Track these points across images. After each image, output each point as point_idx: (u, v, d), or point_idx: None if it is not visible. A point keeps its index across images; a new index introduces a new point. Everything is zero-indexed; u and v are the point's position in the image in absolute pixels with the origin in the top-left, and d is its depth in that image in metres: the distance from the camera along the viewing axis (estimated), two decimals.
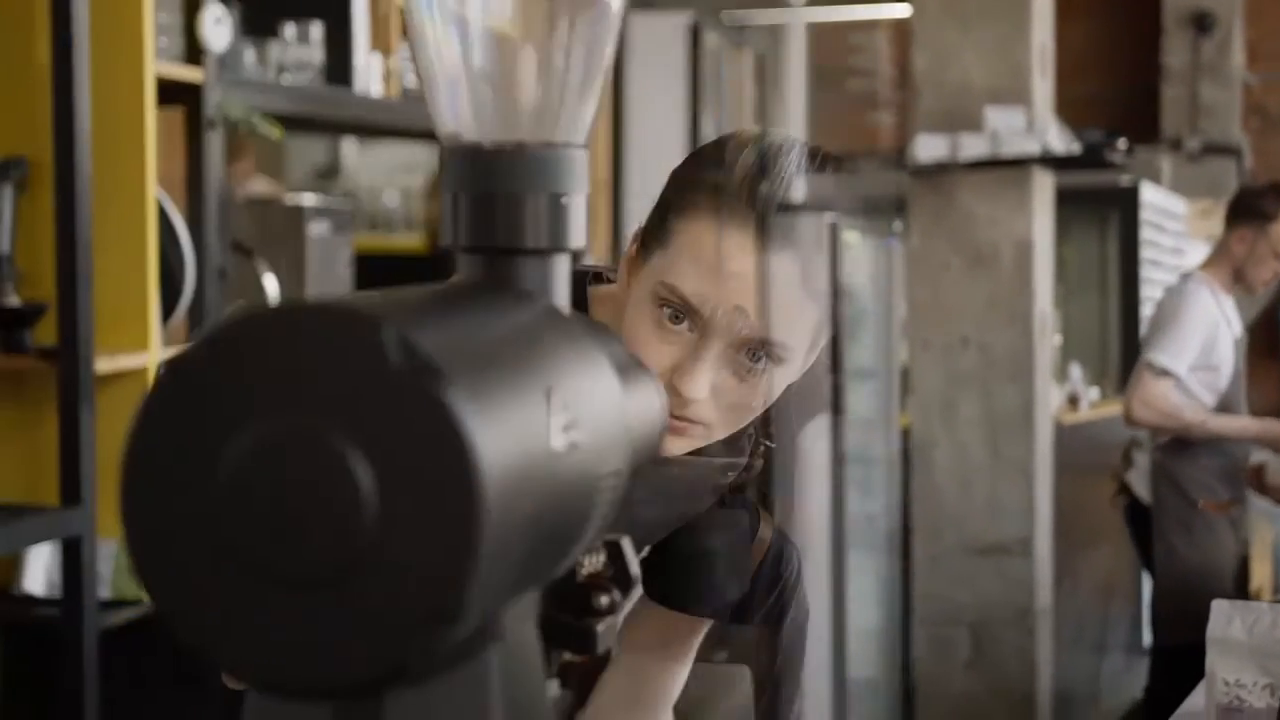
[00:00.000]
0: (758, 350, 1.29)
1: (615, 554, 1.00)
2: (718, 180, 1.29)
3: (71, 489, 2.38)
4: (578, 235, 0.87)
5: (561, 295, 0.87)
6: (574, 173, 0.87)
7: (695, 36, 5.76)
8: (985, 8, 5.38)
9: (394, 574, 0.65)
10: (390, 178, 5.48)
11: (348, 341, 0.65)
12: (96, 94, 2.50)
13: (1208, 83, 9.47)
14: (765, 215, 1.27)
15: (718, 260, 1.27)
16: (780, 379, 1.32)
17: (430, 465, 0.64)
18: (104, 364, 2.50)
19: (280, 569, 0.65)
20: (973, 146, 5.24)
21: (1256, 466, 4.74)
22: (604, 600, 0.90)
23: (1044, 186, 5.50)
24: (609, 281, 1.47)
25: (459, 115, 0.87)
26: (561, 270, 0.87)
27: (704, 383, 1.29)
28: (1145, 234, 7.29)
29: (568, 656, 0.94)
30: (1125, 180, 7.08)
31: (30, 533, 2.41)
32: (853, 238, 6.23)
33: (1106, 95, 6.76)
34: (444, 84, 0.88)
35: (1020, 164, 5.28)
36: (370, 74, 3.25)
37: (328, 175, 5.50)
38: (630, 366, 0.93)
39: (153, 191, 2.58)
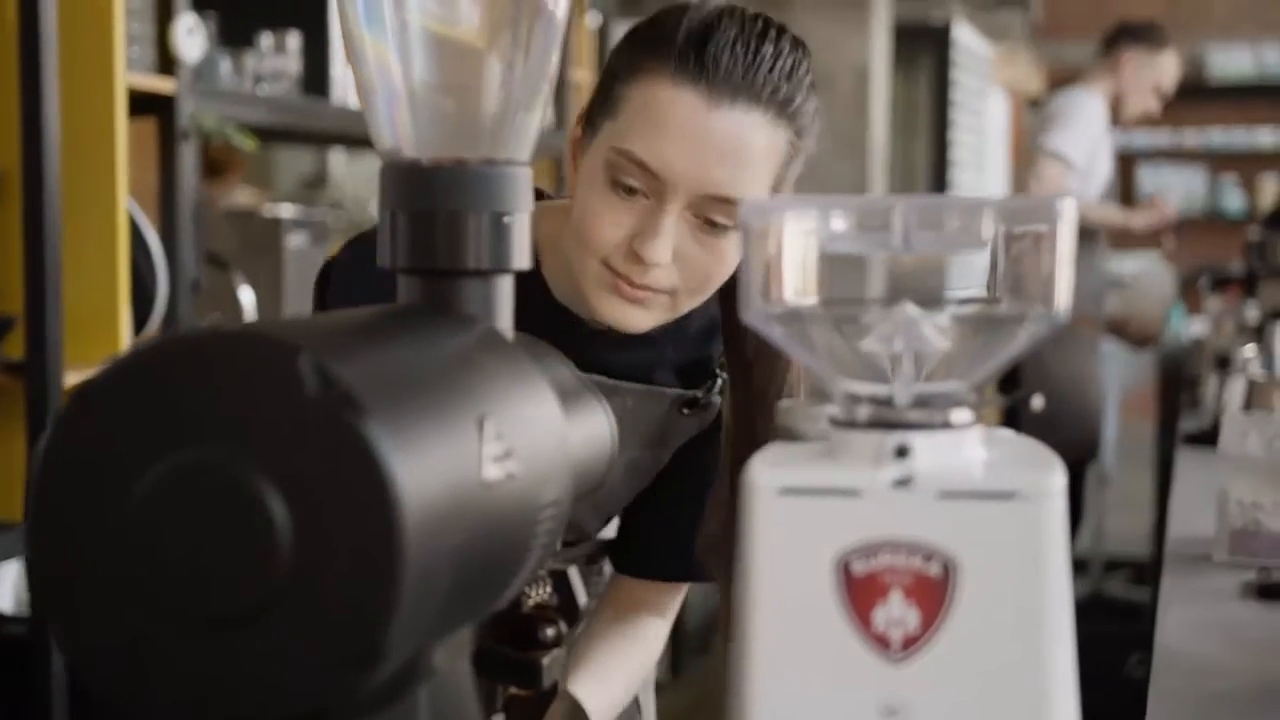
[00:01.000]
0: (719, 211, 1.26)
1: (561, 584, 0.97)
2: (665, 43, 1.26)
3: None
4: (521, 255, 0.84)
5: (504, 317, 0.84)
6: (517, 190, 0.84)
7: None
8: None
9: (311, 613, 0.62)
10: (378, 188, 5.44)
11: (263, 369, 0.62)
12: (66, 104, 2.47)
13: None
14: (715, 71, 1.25)
15: (670, 120, 1.24)
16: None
17: (348, 499, 0.61)
18: (73, 378, 2.47)
19: (192, 607, 0.62)
20: None
21: (1116, 316, 4.78)
22: (549, 632, 0.87)
23: (883, 9, 5.45)
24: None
25: (398, 130, 0.85)
26: (504, 291, 0.84)
27: (665, 246, 1.26)
28: (954, 75, 7.22)
29: (512, 690, 0.91)
30: (937, 18, 6.98)
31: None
32: None
33: None
34: (382, 98, 0.85)
35: None
36: (348, 84, 3.23)
37: (315, 185, 5.47)
38: (576, 390, 0.90)
39: (124, 203, 2.54)
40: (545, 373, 0.82)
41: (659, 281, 1.28)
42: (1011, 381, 4.19)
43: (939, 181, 7.28)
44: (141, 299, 2.64)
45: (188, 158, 2.73)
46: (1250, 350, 3.21)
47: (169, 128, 2.72)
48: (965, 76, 7.42)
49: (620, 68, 1.28)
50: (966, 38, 7.40)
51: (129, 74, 2.60)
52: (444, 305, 0.82)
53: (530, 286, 1.36)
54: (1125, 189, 10.43)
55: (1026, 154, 9.81)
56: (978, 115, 8.01)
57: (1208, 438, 3.06)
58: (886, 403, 0.73)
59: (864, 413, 0.73)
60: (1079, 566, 5.75)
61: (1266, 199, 10.17)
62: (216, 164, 4.09)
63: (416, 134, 0.84)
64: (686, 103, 1.24)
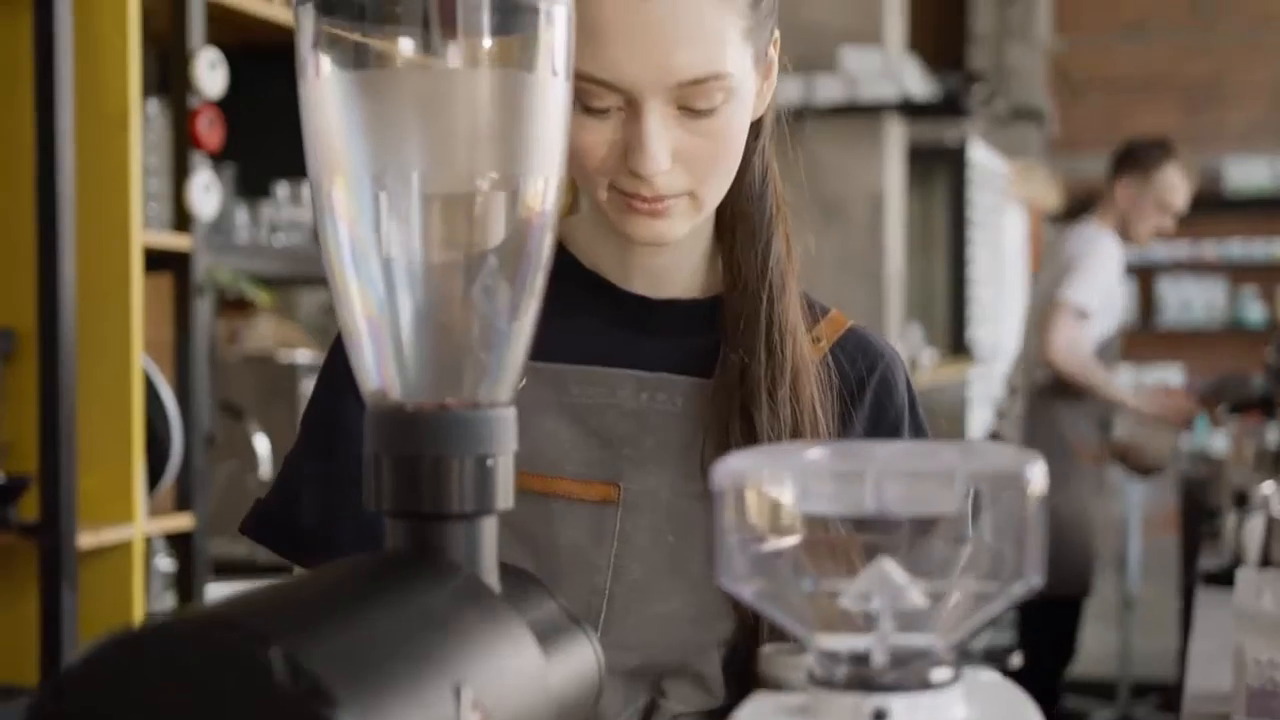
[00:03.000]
0: (698, 96, 1.16)
1: None
2: None
3: (53, 670, 2.35)
4: (505, 495, 0.85)
5: (489, 559, 0.84)
6: (501, 433, 0.85)
7: None
8: None
9: None
10: None
11: (232, 661, 0.63)
12: (83, 263, 2.51)
13: (1014, 47, 9.55)
14: None
15: (604, 24, 1.14)
16: (741, 112, 1.20)
17: None
18: (87, 539, 2.48)
19: None
20: (829, 89, 5.18)
21: (1120, 443, 4.73)
22: None
23: (897, 134, 5.45)
24: None
25: (383, 374, 0.85)
26: (489, 532, 0.85)
27: (655, 154, 1.16)
28: (971, 194, 7.23)
29: None
30: (953, 139, 6.98)
31: (9, 716, 2.37)
32: None
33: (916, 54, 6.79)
34: (367, 341, 0.86)
35: (875, 110, 5.22)
36: None
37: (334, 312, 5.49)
38: (559, 625, 0.90)
39: (138, 362, 2.57)
40: (524, 616, 0.82)
41: (670, 187, 1.19)
42: None
43: (957, 299, 7.30)
44: (156, 454, 2.66)
45: (203, 312, 2.75)
46: (1269, 487, 3.19)
47: (184, 283, 2.75)
48: (981, 194, 7.47)
49: None
50: (982, 156, 7.45)
51: (145, 232, 2.63)
52: (429, 551, 0.83)
53: (563, 270, 1.23)
54: (1145, 301, 10.46)
55: (1043, 299, 9.90)
56: (995, 231, 8.06)
57: (1227, 577, 3.03)
58: (864, 660, 0.73)
59: (842, 672, 0.73)
60: (1106, 691, 5.68)
61: None
62: (239, 304, 4.13)
63: (402, 377, 0.85)
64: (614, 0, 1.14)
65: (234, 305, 4.03)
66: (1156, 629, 5.99)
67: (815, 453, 0.77)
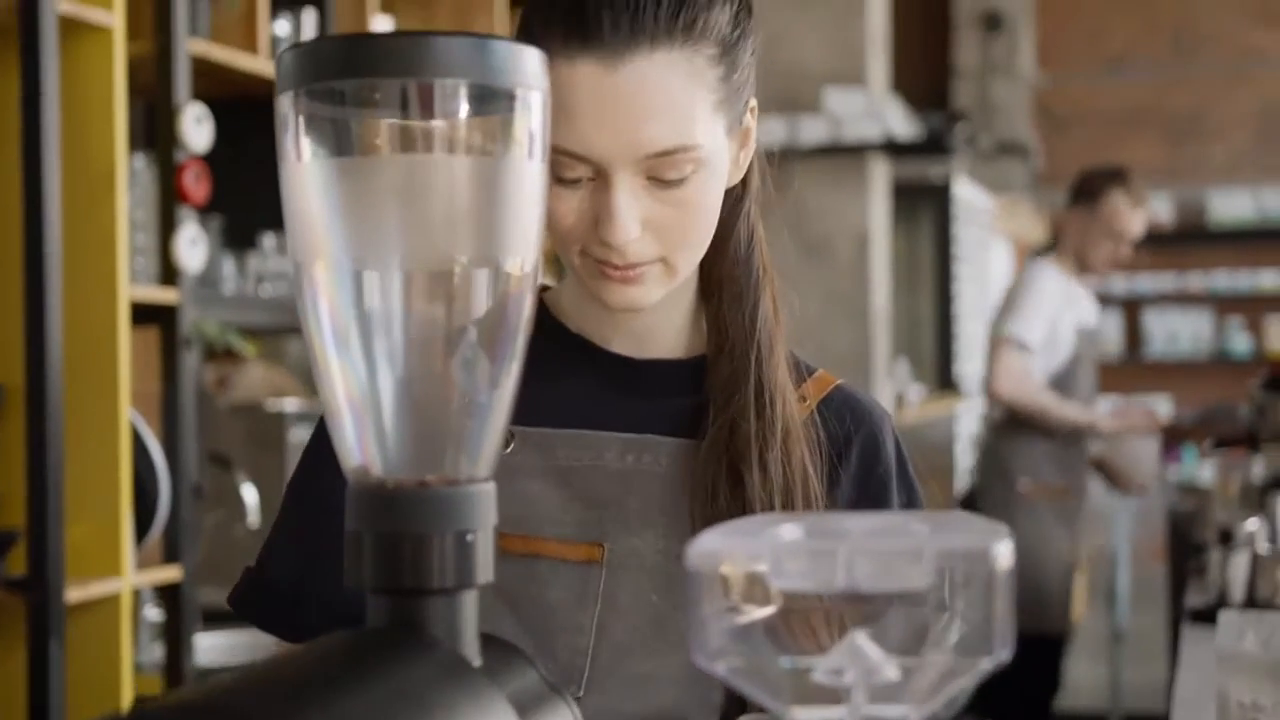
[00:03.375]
0: (667, 167, 1.17)
1: None
2: (547, 22, 1.18)
3: None
4: (485, 569, 0.86)
5: (469, 633, 0.86)
6: (480, 509, 0.86)
7: None
8: None
9: None
10: None
11: None
12: (70, 318, 2.52)
13: (998, 82, 9.61)
14: (601, 29, 1.16)
15: (575, 98, 1.15)
16: (713, 181, 1.21)
17: None
18: (75, 593, 2.48)
19: None
20: (813, 130, 5.21)
21: (1097, 459, 4.73)
22: None
23: (882, 174, 5.47)
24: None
25: (364, 451, 0.87)
26: (469, 606, 0.86)
27: (629, 221, 1.17)
28: (956, 230, 7.27)
29: None
30: (937, 176, 7.00)
31: None
32: None
33: (900, 91, 6.77)
34: (349, 419, 0.87)
35: (859, 150, 5.25)
36: None
37: None
38: (541, 696, 0.91)
39: (126, 415, 2.58)
40: (502, 690, 0.83)
41: (641, 255, 1.20)
42: None
43: (944, 335, 7.33)
44: (144, 507, 2.66)
45: (189, 365, 2.77)
46: (1253, 524, 3.21)
47: (171, 336, 2.76)
48: (967, 229, 7.51)
49: None
50: (966, 192, 7.50)
51: (132, 286, 2.65)
52: (409, 625, 0.84)
53: (550, 334, 1.31)
54: (1132, 333, 10.51)
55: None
56: (981, 266, 8.09)
57: (1213, 615, 3.04)
58: None
59: None
60: None
61: (1273, 340, 10.21)
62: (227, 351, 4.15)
63: (382, 454, 0.87)
64: (584, 74, 1.16)
65: (224, 352, 4.04)
66: (1147, 661, 6.00)
67: (788, 529, 0.78)
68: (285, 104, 0.84)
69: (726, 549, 0.75)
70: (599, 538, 1.25)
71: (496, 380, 0.88)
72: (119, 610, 2.59)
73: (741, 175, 1.30)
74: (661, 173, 1.17)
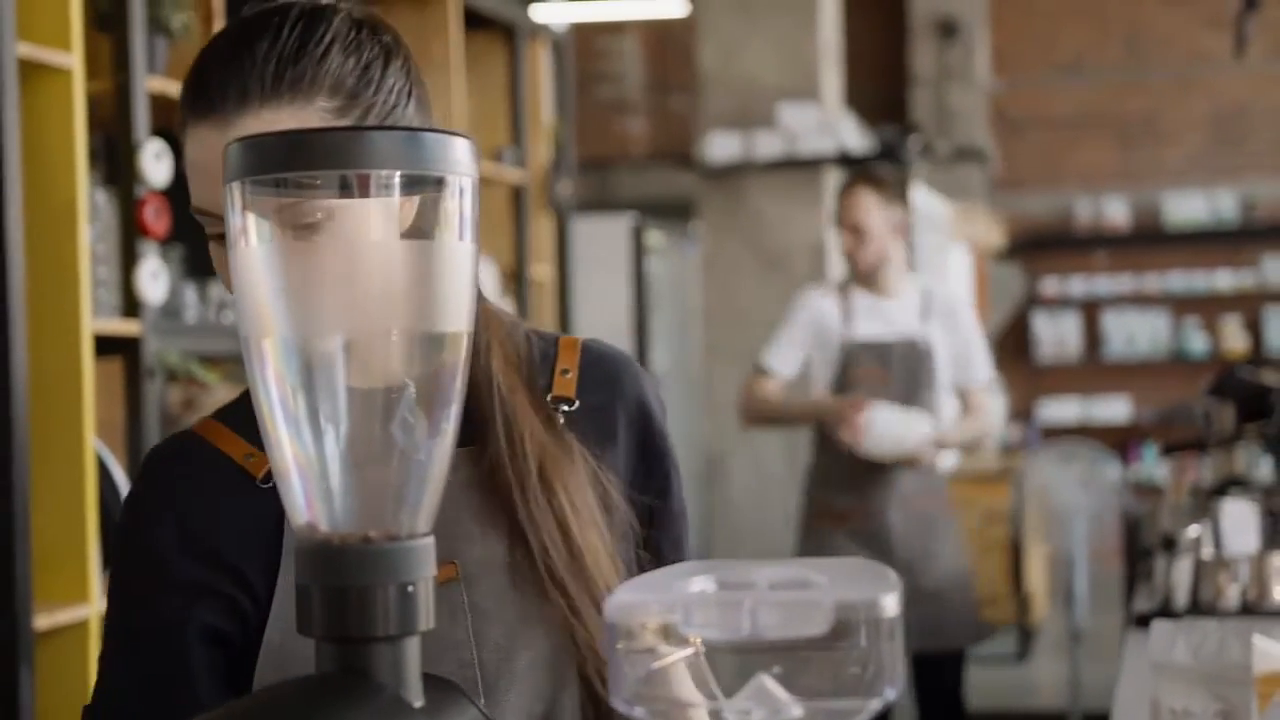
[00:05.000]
0: (300, 212, 1.15)
1: None
2: (183, 94, 1.24)
3: None
4: (427, 617, 0.93)
5: (412, 677, 0.93)
6: (420, 561, 0.93)
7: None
8: (772, 1, 5.40)
9: None
10: None
11: None
12: (34, 351, 2.57)
13: (954, 88, 9.72)
14: (216, 96, 1.21)
15: (200, 160, 1.22)
16: (365, 229, 1.18)
17: None
18: (43, 620, 2.54)
19: None
20: (768, 145, 5.22)
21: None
22: None
23: (836, 186, 5.51)
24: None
25: (312, 509, 0.94)
26: (412, 651, 0.93)
27: None
28: (914, 237, 7.33)
29: None
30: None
31: None
32: (656, 240, 6.26)
33: (856, 99, 6.78)
34: (296, 479, 0.94)
35: (814, 164, 5.23)
36: None
37: None
38: None
39: (91, 445, 2.63)
40: None
41: None
42: None
43: None
44: (110, 533, 2.72)
45: (153, 395, 2.83)
46: (1194, 530, 3.28)
47: (134, 367, 2.82)
48: (924, 237, 7.60)
49: (178, 134, 1.28)
50: (924, 200, 7.59)
51: (95, 319, 2.70)
52: (357, 672, 0.91)
53: None
54: (1090, 334, 10.63)
55: (993, 306, 9.93)
56: (940, 272, 8.19)
57: (1156, 619, 3.12)
58: None
59: None
60: None
61: (1229, 340, 10.35)
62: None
63: (328, 512, 0.94)
64: (204, 137, 1.22)
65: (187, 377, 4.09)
66: (1106, 660, 6.09)
67: (698, 583, 0.85)
68: (232, 193, 0.91)
69: (640, 602, 0.83)
70: (449, 556, 1.29)
71: (434, 439, 0.95)
72: (87, 636, 2.65)
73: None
74: (299, 221, 1.13)
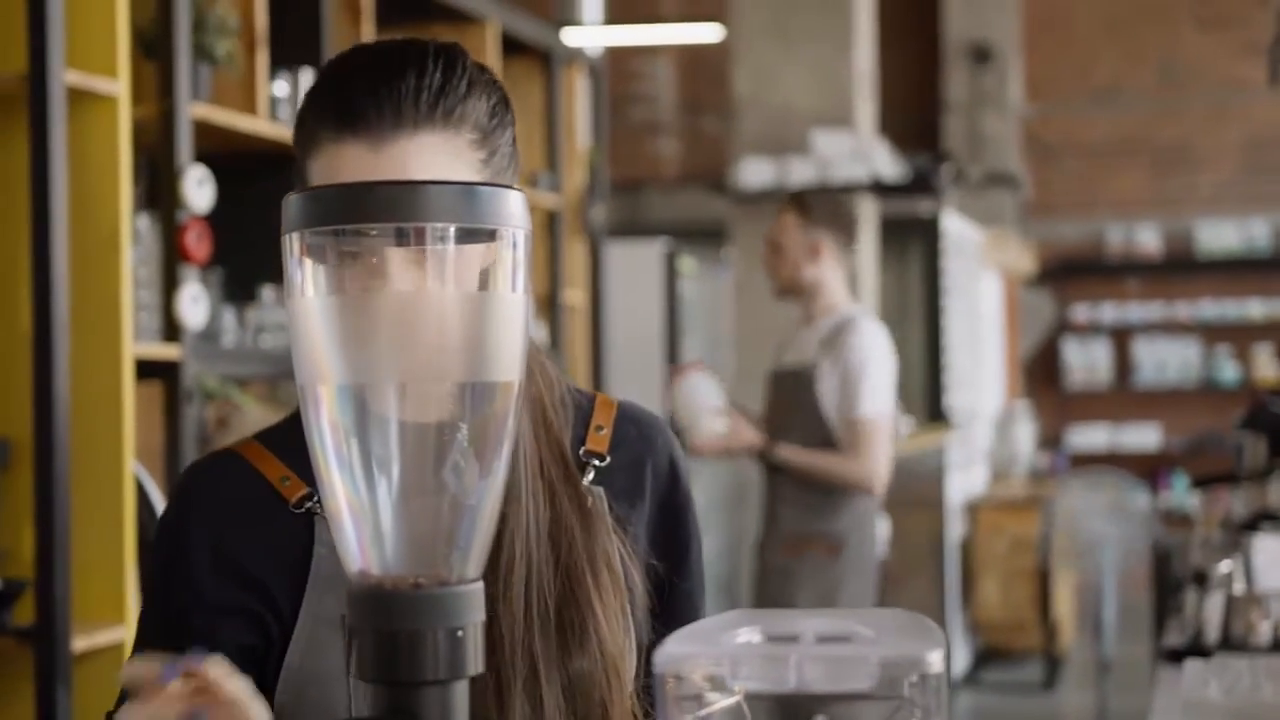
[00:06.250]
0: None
1: None
2: (319, 109, 1.26)
3: None
4: (476, 662, 0.95)
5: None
6: (469, 606, 0.95)
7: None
8: (807, 28, 5.41)
9: None
10: None
11: None
12: (76, 375, 2.60)
13: (987, 114, 9.69)
14: (366, 115, 1.23)
15: (348, 174, 1.24)
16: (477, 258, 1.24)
17: None
18: (81, 642, 2.56)
19: None
20: (801, 171, 5.21)
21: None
22: None
23: (869, 214, 5.49)
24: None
25: (364, 554, 0.95)
26: (460, 696, 0.94)
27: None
28: (945, 263, 7.32)
29: None
30: (925, 211, 7.04)
31: None
32: (689, 265, 6.24)
33: (888, 125, 6.77)
34: (349, 525, 0.96)
35: (847, 191, 5.22)
36: None
37: None
38: None
39: (130, 469, 2.66)
40: None
41: None
42: None
43: (933, 367, 7.42)
44: (148, 555, 2.74)
45: (191, 419, 2.85)
46: (1226, 566, 3.27)
47: (174, 391, 2.84)
48: (956, 262, 7.60)
49: (300, 152, 1.30)
50: (955, 225, 7.59)
51: (136, 343, 2.73)
52: (404, 714, 0.93)
53: None
54: (1121, 361, 10.60)
55: (1024, 332, 9.88)
56: (970, 298, 8.19)
57: (1187, 654, 3.11)
58: None
59: None
60: None
61: (1260, 368, 10.31)
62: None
63: (380, 558, 0.95)
64: (352, 155, 1.24)
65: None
66: (1134, 689, 6.07)
67: (744, 634, 0.87)
68: (290, 243, 0.93)
69: (689, 655, 0.84)
70: None
71: (485, 485, 0.97)
72: (123, 658, 2.67)
73: None
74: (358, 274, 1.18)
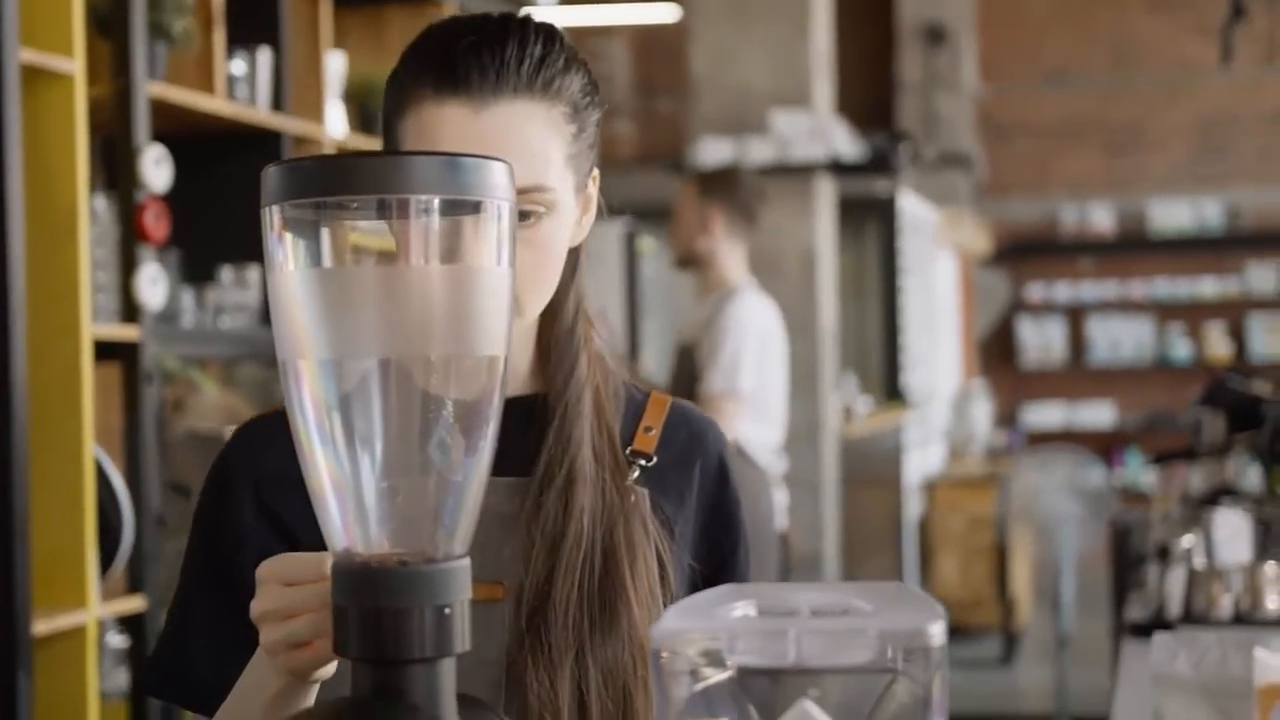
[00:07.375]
0: (524, 202, 1.25)
1: None
2: (419, 69, 1.28)
3: None
4: (463, 639, 0.93)
5: (447, 699, 0.93)
6: (456, 583, 0.93)
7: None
8: (765, 8, 5.42)
9: None
10: None
11: None
12: (34, 356, 2.56)
13: (941, 94, 9.74)
14: (469, 77, 1.25)
15: (444, 135, 1.25)
16: (561, 229, 1.30)
17: None
18: (41, 625, 2.53)
19: None
20: (760, 151, 5.21)
21: None
22: None
23: (827, 193, 5.50)
24: None
25: (349, 532, 0.94)
26: (447, 673, 0.93)
27: None
28: (901, 243, 7.36)
29: None
30: (882, 190, 7.05)
31: None
32: (648, 245, 6.24)
33: (844, 105, 6.81)
34: (333, 502, 0.94)
35: (806, 170, 5.23)
36: None
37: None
38: None
39: (90, 451, 2.63)
40: None
41: None
42: None
43: (890, 346, 7.44)
44: (109, 539, 2.71)
45: (151, 400, 2.82)
46: (1188, 540, 3.29)
47: (133, 372, 2.81)
48: (912, 242, 7.62)
49: (391, 110, 1.31)
50: (911, 205, 7.61)
51: (95, 325, 2.70)
52: (392, 694, 0.91)
53: None
54: (1076, 340, 10.66)
55: (979, 312, 9.90)
56: (926, 277, 8.22)
57: (1151, 629, 3.12)
58: None
59: None
60: None
61: (1212, 347, 10.39)
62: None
63: (364, 536, 0.94)
64: (453, 115, 1.26)
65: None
66: (1092, 665, 6.11)
67: (740, 608, 0.86)
68: (270, 216, 0.91)
69: (685, 629, 0.83)
70: (496, 576, 1.30)
71: (471, 460, 0.95)
72: (84, 641, 2.64)
73: (582, 238, 1.37)
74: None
